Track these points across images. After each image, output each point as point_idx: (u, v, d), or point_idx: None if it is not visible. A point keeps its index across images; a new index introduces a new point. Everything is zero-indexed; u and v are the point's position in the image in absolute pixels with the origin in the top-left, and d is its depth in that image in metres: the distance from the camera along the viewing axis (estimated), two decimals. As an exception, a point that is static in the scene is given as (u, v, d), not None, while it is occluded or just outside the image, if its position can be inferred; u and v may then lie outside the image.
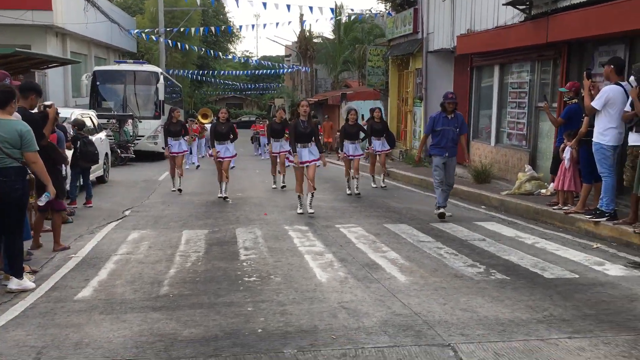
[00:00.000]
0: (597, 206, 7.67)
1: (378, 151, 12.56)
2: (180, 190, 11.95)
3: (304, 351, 3.82)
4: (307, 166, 9.33)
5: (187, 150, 12.91)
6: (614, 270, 5.87)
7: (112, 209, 10.13)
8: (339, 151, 12.27)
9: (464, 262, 6.23)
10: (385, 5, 20.85)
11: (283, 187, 12.46)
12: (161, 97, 21.41)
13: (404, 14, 17.60)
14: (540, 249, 6.88)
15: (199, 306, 4.79)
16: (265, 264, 6.22)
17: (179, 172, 12.24)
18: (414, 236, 7.59)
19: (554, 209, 8.58)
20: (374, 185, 12.74)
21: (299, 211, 9.32)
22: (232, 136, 11.20)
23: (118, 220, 9.04)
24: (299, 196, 9.50)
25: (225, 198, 10.77)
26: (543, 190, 9.88)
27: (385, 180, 12.89)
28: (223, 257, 6.56)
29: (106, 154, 14.18)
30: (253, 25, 36.61)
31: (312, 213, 9.09)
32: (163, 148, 12.51)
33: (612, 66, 7.49)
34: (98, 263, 6.32)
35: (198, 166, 18.44)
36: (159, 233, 7.95)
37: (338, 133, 20.82)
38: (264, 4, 20.08)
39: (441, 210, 8.80)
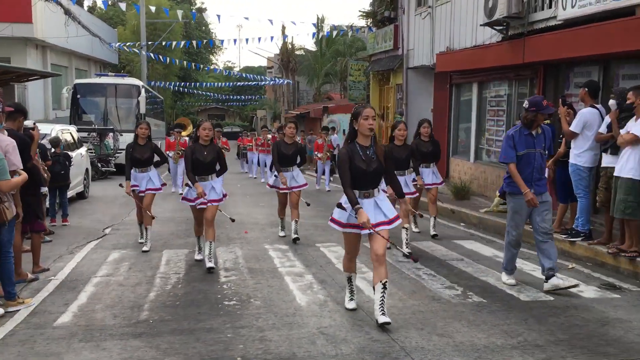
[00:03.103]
0: (573, 226, 7.84)
1: (429, 184, 8.74)
2: (145, 250, 8.01)
3: (282, 380, 3.87)
4: (371, 232, 4.94)
5: (160, 189, 8.39)
6: (588, 292, 6.00)
7: (91, 227, 10.10)
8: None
9: (442, 283, 6.33)
10: (367, 21, 21.06)
11: (296, 239, 8.54)
12: (142, 110, 21.40)
13: (385, 30, 17.82)
14: (518, 269, 6.98)
15: (179, 332, 4.81)
16: (246, 286, 6.25)
17: (147, 215, 8.16)
18: (393, 256, 7.66)
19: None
20: (416, 230, 9.24)
21: (350, 306, 5.38)
22: (218, 167, 7.30)
23: (98, 239, 9.02)
24: (349, 279, 5.44)
25: (210, 269, 6.82)
26: (520, 208, 10.04)
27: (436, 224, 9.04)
28: (203, 278, 6.58)
29: (86, 170, 14.14)
30: (235, 40, 36.42)
31: (388, 323, 4.84)
32: (120, 185, 8.46)
33: (586, 89, 7.69)
34: (78, 286, 6.30)
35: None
36: (139, 253, 7.94)
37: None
38: (247, 18, 20.18)
39: (512, 278, 6.32)
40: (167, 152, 15.13)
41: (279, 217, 9.25)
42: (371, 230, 4.89)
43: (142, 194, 8.31)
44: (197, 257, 7.49)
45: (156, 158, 8.41)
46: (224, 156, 7.46)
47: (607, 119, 7.20)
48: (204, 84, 44.43)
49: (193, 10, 33.60)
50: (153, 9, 25.75)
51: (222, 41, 34.00)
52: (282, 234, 9.20)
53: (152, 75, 36.31)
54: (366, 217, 4.81)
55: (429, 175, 8.77)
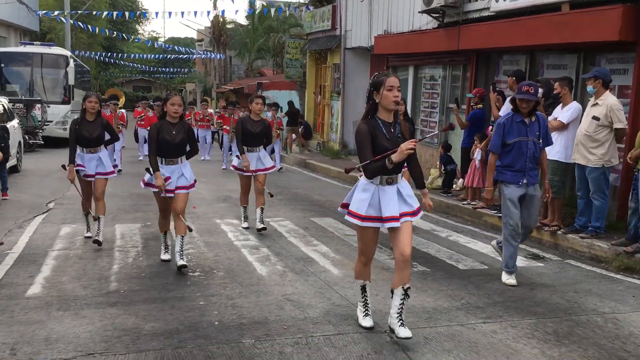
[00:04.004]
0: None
1: None
2: (98, 242, 6.91)
3: (260, 341, 4.27)
4: (391, 228, 4.34)
5: (112, 172, 7.33)
6: (517, 261, 6.71)
7: (33, 201, 10.01)
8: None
9: (388, 254, 6.89)
10: (304, -1, 21.30)
11: (261, 229, 7.80)
12: (71, 81, 20.81)
13: (323, 9, 18.14)
14: (453, 241, 7.69)
15: (152, 301, 5.10)
16: (206, 258, 6.57)
17: (96, 203, 7.17)
18: (339, 230, 8.18)
19: (463, 204, 9.48)
20: None
21: (366, 323, 4.59)
22: (189, 149, 6.30)
23: (44, 213, 9.01)
24: (362, 288, 4.70)
25: (181, 267, 5.96)
26: (453, 186, 10.80)
27: None
28: (163, 252, 6.82)
29: (19, 142, 13.77)
30: (170, 13, 35.51)
31: (409, 338, 4.23)
32: (64, 167, 7.15)
33: (514, 78, 8.41)
34: (37, 259, 6.40)
35: (120, 170, 13.48)
36: (92, 227, 8.02)
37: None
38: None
39: (513, 278, 5.87)
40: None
41: (241, 206, 8.29)
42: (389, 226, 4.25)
43: (91, 179, 7.14)
44: (164, 256, 6.39)
45: (107, 137, 7.28)
46: (194, 136, 6.53)
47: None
48: (131, 55, 43.15)
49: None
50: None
51: (157, 13, 32.89)
52: (245, 225, 8.13)
53: (75, 44, 34.95)
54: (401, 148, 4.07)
55: None
